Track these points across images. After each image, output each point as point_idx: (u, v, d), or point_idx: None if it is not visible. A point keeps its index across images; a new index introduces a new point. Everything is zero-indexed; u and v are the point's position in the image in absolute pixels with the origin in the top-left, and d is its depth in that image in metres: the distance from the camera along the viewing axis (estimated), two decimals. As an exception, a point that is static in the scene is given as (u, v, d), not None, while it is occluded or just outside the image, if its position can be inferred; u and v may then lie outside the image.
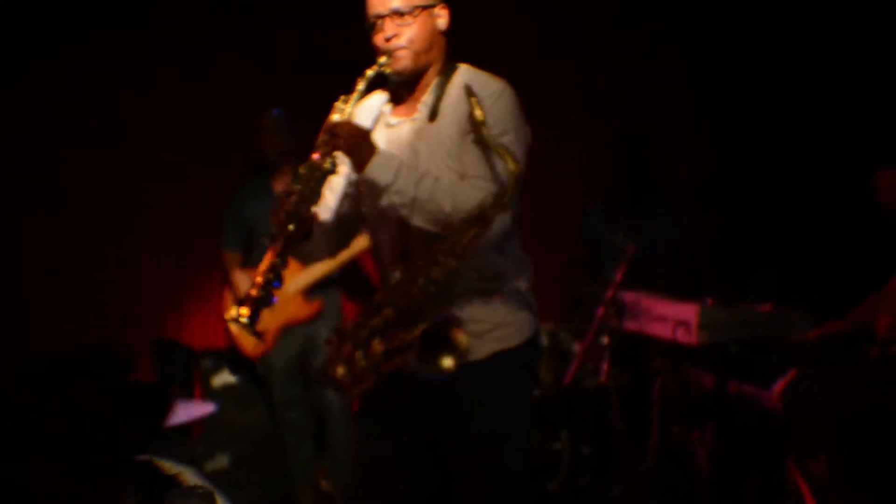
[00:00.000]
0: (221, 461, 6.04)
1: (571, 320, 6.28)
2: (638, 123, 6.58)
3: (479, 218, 3.18)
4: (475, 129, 3.26)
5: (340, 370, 3.36)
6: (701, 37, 6.73)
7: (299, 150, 5.73)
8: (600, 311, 5.07)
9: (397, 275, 3.35)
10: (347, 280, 6.06)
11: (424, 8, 3.34)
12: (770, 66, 6.38)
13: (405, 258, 3.36)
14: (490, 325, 3.37)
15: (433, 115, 3.37)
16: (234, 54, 6.47)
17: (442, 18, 3.40)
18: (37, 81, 6.25)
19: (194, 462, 5.93)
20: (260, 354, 5.93)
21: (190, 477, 2.43)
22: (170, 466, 2.43)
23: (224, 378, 6.13)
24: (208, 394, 6.05)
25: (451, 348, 3.24)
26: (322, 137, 3.26)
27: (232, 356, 6.14)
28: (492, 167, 3.27)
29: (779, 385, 4.13)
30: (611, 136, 6.48)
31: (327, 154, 3.24)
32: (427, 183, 3.23)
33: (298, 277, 5.83)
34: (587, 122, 6.94)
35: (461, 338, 3.24)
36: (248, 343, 5.96)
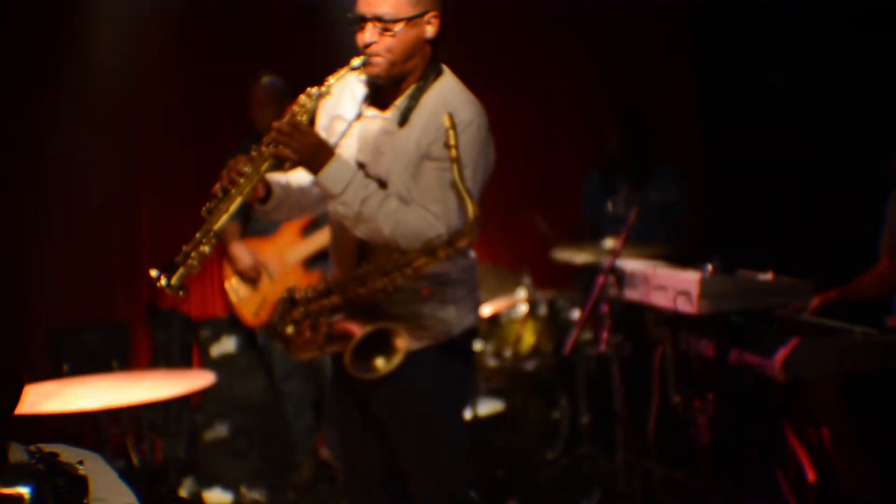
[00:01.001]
0: (221, 431, 6.04)
1: (570, 289, 6.29)
2: (638, 95, 6.58)
3: (431, 252, 3.26)
4: (446, 162, 3.27)
5: (289, 329, 3.41)
6: (706, 10, 6.74)
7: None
8: (600, 279, 5.05)
9: (347, 268, 3.46)
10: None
11: (410, 19, 3.30)
12: (777, 40, 6.36)
13: (362, 255, 3.43)
14: (428, 323, 3.48)
15: (403, 121, 3.37)
16: (227, 22, 6.45)
17: (431, 27, 3.36)
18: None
19: (194, 431, 5.96)
20: (260, 324, 5.92)
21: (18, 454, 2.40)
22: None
23: (223, 347, 6.12)
24: (207, 363, 6.05)
25: (387, 351, 3.39)
26: (278, 131, 3.28)
27: (231, 325, 6.13)
28: (446, 203, 3.31)
29: (781, 354, 4.12)
30: (612, 108, 6.47)
31: (275, 154, 3.28)
32: (373, 202, 3.29)
33: (298, 248, 5.83)
34: (588, 94, 6.95)
35: (401, 343, 3.38)
36: (247, 312, 5.94)
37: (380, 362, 3.40)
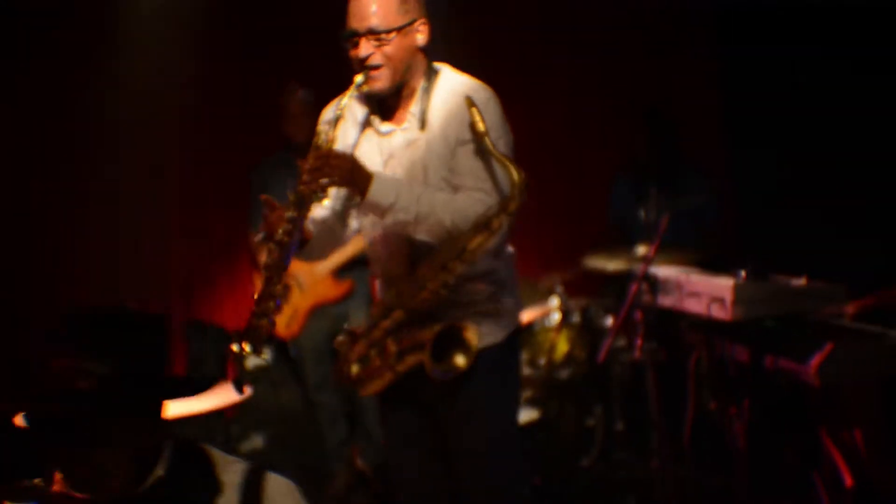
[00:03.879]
0: (256, 441, 6.07)
1: (604, 296, 6.28)
2: (666, 98, 6.56)
3: (486, 226, 3.31)
4: (477, 139, 3.34)
5: (355, 368, 3.52)
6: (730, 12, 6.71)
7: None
8: (633, 287, 5.04)
9: (402, 280, 3.48)
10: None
11: (401, 28, 3.37)
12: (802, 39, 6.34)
13: (412, 264, 3.46)
14: (489, 321, 3.53)
15: (423, 124, 3.44)
16: (258, 31, 6.47)
17: (421, 34, 3.44)
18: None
19: (229, 443, 5.98)
20: (291, 335, 5.94)
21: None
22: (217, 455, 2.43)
23: (258, 359, 6.14)
24: (242, 375, 6.06)
25: (464, 347, 3.41)
26: (311, 168, 3.32)
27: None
28: (492, 176, 3.39)
29: (816, 359, 4.10)
30: (639, 112, 6.46)
31: (318, 187, 3.32)
32: (426, 199, 3.35)
33: (329, 258, 5.84)
34: (615, 98, 6.93)
35: (472, 337, 3.41)
36: (279, 324, 5.95)
37: (459, 359, 3.42)
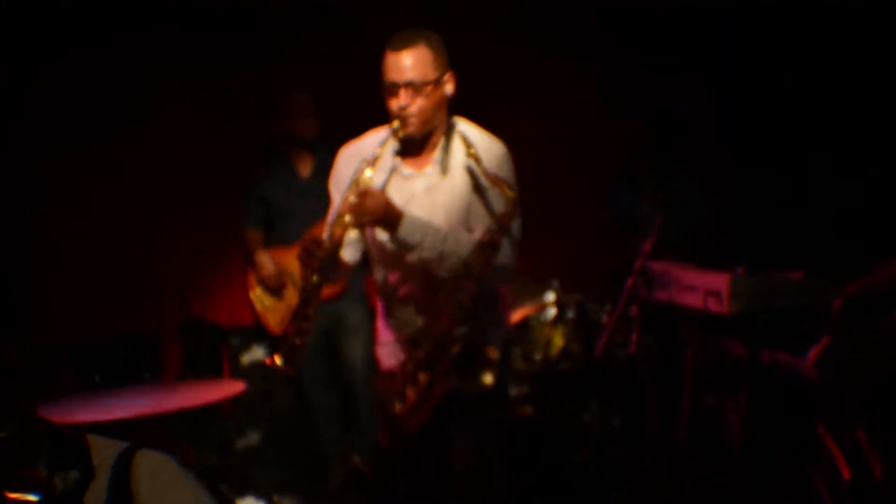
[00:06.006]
0: (252, 438, 6.06)
1: (600, 292, 6.27)
2: (665, 101, 6.56)
3: (490, 243, 3.59)
4: (475, 175, 3.69)
5: (398, 406, 3.74)
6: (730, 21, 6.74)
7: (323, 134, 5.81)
8: (629, 281, 5.03)
9: (412, 307, 3.79)
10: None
11: (435, 81, 3.67)
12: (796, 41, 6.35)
13: (430, 292, 3.73)
14: (492, 330, 3.81)
15: (444, 171, 3.75)
16: (252, 34, 6.47)
17: (450, 85, 3.74)
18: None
19: (225, 440, 5.98)
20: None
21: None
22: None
23: (252, 355, 6.14)
24: (237, 371, 6.06)
25: (488, 364, 3.64)
26: (351, 204, 3.59)
27: (260, 334, 6.14)
28: (494, 211, 3.69)
29: (812, 352, 4.11)
30: (637, 114, 6.46)
31: (357, 223, 3.65)
32: (450, 239, 3.66)
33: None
34: (613, 101, 6.94)
35: (493, 352, 3.65)
36: (273, 321, 5.96)
37: (487, 377, 3.64)
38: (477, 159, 3.60)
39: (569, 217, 6.45)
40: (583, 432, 6.11)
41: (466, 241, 3.65)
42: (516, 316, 6.09)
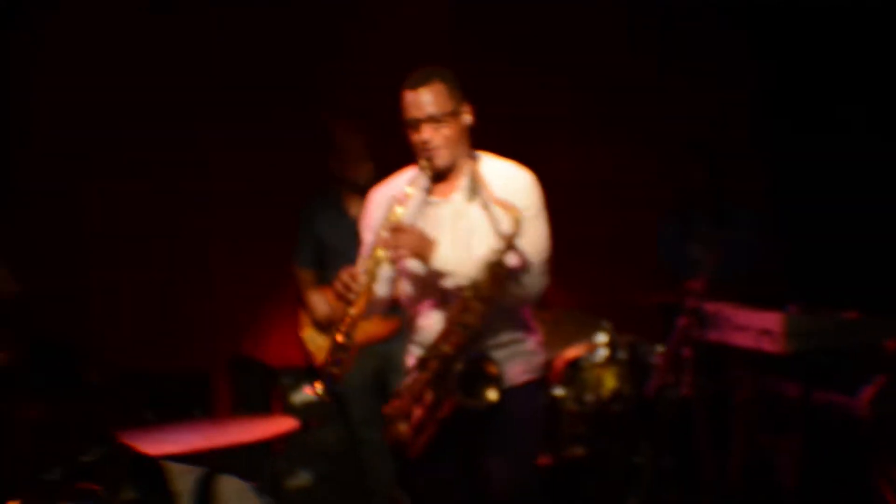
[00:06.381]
0: (303, 478, 6.06)
1: (652, 332, 6.23)
2: (708, 134, 6.53)
3: (497, 264, 3.72)
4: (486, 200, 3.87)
5: (403, 427, 3.91)
6: (767, 43, 6.71)
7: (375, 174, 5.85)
8: (681, 321, 5.01)
9: (432, 320, 3.93)
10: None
11: (454, 112, 3.89)
12: (839, 72, 6.32)
13: (443, 307, 3.90)
14: (529, 359, 4.01)
15: (470, 197, 3.94)
16: (310, 67, 6.53)
17: (468, 115, 3.96)
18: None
19: (276, 478, 5.98)
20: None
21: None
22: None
23: (303, 395, 6.15)
24: (288, 411, 6.07)
25: (491, 381, 3.75)
26: (388, 238, 3.81)
27: (310, 374, 6.14)
28: (501, 232, 3.80)
29: (867, 392, 4.07)
30: (690, 145, 6.42)
31: (394, 258, 3.88)
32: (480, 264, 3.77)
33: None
34: (663, 136, 6.92)
35: (494, 369, 3.76)
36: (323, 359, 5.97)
37: (491, 394, 3.74)
38: (484, 184, 3.81)
39: (621, 255, 6.41)
40: (635, 474, 6.06)
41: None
42: (567, 356, 6.07)
